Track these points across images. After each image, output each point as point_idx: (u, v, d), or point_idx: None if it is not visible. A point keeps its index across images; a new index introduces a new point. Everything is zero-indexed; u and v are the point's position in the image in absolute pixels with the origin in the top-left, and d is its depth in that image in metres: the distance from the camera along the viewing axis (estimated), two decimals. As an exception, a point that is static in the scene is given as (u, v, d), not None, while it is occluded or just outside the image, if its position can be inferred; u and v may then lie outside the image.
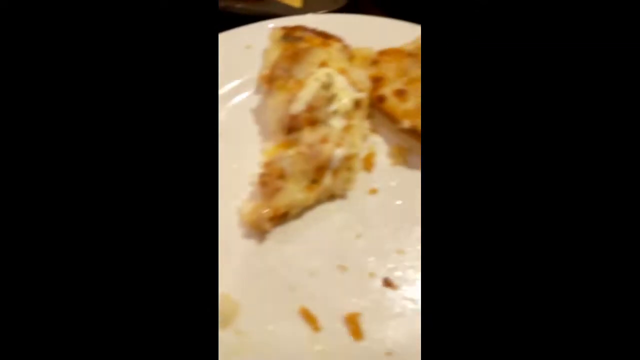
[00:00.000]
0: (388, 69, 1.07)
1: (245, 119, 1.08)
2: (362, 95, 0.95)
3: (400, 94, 1.02)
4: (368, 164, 0.98)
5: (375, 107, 1.04)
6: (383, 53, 1.10)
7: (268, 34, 1.17)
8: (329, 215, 0.90)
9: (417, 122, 0.96)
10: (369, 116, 1.04)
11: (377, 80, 1.05)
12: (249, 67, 1.15)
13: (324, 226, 0.88)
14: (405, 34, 1.19)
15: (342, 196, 0.92)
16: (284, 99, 0.93)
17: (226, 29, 1.20)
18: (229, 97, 1.10)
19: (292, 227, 0.88)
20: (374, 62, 1.09)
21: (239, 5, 1.25)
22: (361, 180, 0.95)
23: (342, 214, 0.90)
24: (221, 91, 1.09)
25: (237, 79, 1.12)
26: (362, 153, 0.98)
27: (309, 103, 0.89)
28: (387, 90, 1.03)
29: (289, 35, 1.09)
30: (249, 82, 1.14)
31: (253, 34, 1.19)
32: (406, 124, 0.96)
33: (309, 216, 0.90)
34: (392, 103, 1.02)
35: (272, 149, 0.96)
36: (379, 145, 1.03)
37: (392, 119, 1.01)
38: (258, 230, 0.84)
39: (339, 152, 0.84)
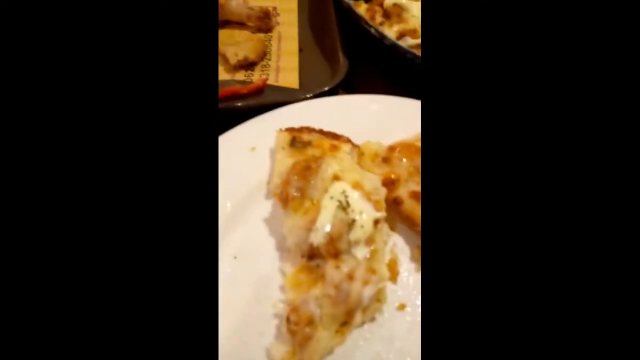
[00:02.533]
0: (400, 166, 1.04)
1: (259, 230, 1.03)
2: (382, 215, 0.91)
3: (417, 196, 0.99)
4: (392, 273, 0.95)
5: (392, 210, 1.01)
6: (393, 149, 1.06)
7: (271, 133, 1.12)
8: (361, 345, 0.86)
9: None
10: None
11: (391, 183, 1.01)
12: (258, 171, 1.10)
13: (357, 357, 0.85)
14: (405, 112, 1.17)
15: (371, 320, 0.89)
16: (301, 224, 0.89)
17: (227, 126, 1.15)
18: (243, 209, 1.04)
19: (324, 363, 0.85)
20: (385, 160, 1.05)
21: (239, 104, 1.20)
22: (388, 293, 0.92)
23: (373, 343, 0.86)
24: (232, 201, 1.05)
25: (246, 186, 1.08)
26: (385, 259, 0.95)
27: (328, 234, 0.85)
28: (402, 192, 1.00)
29: (297, 139, 1.05)
30: (260, 189, 1.09)
31: (255, 133, 1.14)
32: None
33: (340, 351, 0.86)
34: (410, 206, 0.98)
35: (294, 274, 0.92)
36: (399, 247, 1.00)
37: (411, 223, 0.98)
38: (292, 380, 0.81)
39: (369, 291, 0.80)
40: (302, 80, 1.41)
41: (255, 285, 0.95)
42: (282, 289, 0.94)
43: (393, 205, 1.00)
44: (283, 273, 0.95)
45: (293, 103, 1.21)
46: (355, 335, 0.88)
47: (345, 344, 0.87)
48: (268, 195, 1.09)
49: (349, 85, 1.39)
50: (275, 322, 0.90)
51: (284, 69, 1.44)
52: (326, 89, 1.29)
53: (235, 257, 0.99)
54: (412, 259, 0.99)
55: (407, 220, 0.99)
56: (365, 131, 1.12)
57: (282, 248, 1.00)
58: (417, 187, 1.00)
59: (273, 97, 1.26)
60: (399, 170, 1.03)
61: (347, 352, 0.86)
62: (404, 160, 1.04)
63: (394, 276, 0.95)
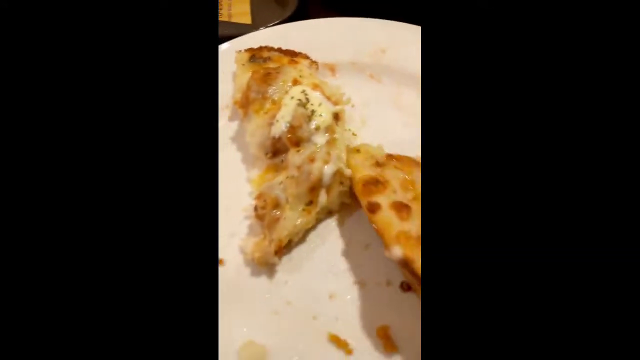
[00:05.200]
0: (394, 176, 0.82)
1: (224, 148, 1.04)
2: (340, 108, 0.93)
3: (400, 208, 0.75)
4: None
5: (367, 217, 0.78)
6: (391, 157, 0.88)
7: (228, 57, 1.13)
8: (332, 232, 0.89)
9: (413, 254, 0.68)
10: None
11: (373, 183, 0.80)
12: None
13: (330, 245, 0.87)
14: (372, 32, 1.19)
15: (339, 211, 0.91)
16: (262, 122, 0.90)
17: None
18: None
19: (298, 253, 0.86)
20: (379, 164, 0.86)
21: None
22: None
23: (345, 228, 0.89)
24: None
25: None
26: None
27: (289, 123, 0.86)
28: (383, 200, 0.77)
29: (256, 56, 1.06)
30: (220, 111, 1.09)
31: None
32: (396, 252, 0.69)
33: (312, 238, 0.88)
34: (386, 218, 0.74)
35: (259, 176, 0.93)
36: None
37: (381, 237, 0.74)
38: (266, 266, 0.82)
39: (329, 169, 0.82)
40: (254, 20, 1.42)
41: (223, 196, 0.95)
42: (250, 195, 0.95)
43: (366, 211, 0.78)
44: (249, 180, 0.96)
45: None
46: (327, 224, 0.90)
47: (317, 231, 0.88)
48: (231, 117, 1.10)
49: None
50: (246, 223, 0.90)
51: (235, 14, 1.45)
52: (277, 21, 1.31)
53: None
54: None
55: (377, 232, 0.75)
56: (321, 50, 1.14)
57: (247, 161, 1.01)
58: (405, 200, 0.77)
59: (227, 31, 1.27)
60: (389, 176, 0.82)
61: (321, 238, 0.87)
62: (399, 171, 0.84)
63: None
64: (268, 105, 0.92)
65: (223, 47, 1.18)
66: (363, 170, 0.84)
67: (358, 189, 0.81)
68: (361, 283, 0.80)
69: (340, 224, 0.90)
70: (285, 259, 0.84)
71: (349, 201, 0.90)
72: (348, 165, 0.85)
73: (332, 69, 1.15)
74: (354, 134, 1.03)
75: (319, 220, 0.89)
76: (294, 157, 0.83)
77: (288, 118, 0.87)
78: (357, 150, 0.89)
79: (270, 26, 1.29)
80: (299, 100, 0.91)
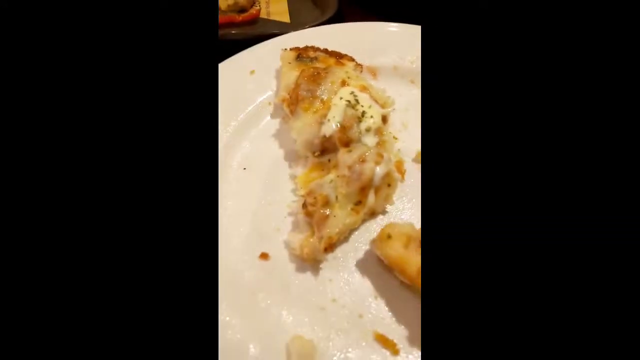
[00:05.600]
0: None
1: (268, 145, 1.05)
2: (388, 110, 0.94)
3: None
4: (400, 172, 0.98)
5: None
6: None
7: (269, 55, 1.15)
8: (374, 233, 0.89)
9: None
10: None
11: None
12: (259, 92, 1.12)
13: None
14: (414, 38, 1.20)
15: (383, 212, 0.92)
16: (311, 121, 0.92)
17: (224, 56, 1.16)
18: (248, 126, 1.08)
19: (342, 252, 0.87)
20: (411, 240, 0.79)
21: (234, 31, 1.21)
22: (397, 191, 0.95)
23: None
24: (237, 121, 1.06)
25: (249, 105, 1.10)
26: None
27: (340, 123, 0.88)
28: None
29: (303, 55, 1.07)
30: (262, 107, 1.11)
31: (254, 58, 1.16)
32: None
33: (356, 238, 0.89)
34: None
35: (305, 174, 0.94)
36: (405, 150, 1.03)
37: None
38: (313, 262, 0.83)
39: (380, 170, 0.83)
40: (292, 20, 1.44)
41: (267, 190, 0.96)
42: (294, 192, 0.96)
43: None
44: (293, 177, 0.97)
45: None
46: (369, 225, 0.91)
47: (360, 232, 0.89)
48: (273, 115, 1.12)
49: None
50: (290, 219, 0.91)
51: (274, 12, 1.47)
52: (315, 23, 1.32)
53: (244, 169, 1.00)
54: (414, 160, 1.03)
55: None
56: (364, 53, 1.16)
57: (290, 158, 1.02)
58: None
59: (267, 28, 1.28)
60: None
61: (364, 238, 0.88)
62: None
63: (401, 175, 0.98)
64: (317, 104, 0.93)
65: (265, 45, 1.19)
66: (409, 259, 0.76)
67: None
68: (405, 285, 0.81)
69: (382, 225, 0.91)
70: (329, 256, 0.85)
71: (392, 203, 0.91)
72: (384, 256, 0.79)
73: (374, 72, 1.17)
74: (395, 138, 1.04)
75: (362, 221, 0.90)
76: (345, 157, 0.84)
77: (339, 118, 0.88)
78: (389, 236, 0.79)
79: (311, 27, 1.31)
80: (348, 101, 0.92)
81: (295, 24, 1.37)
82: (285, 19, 1.40)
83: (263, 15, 1.39)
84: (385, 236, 0.78)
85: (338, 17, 1.43)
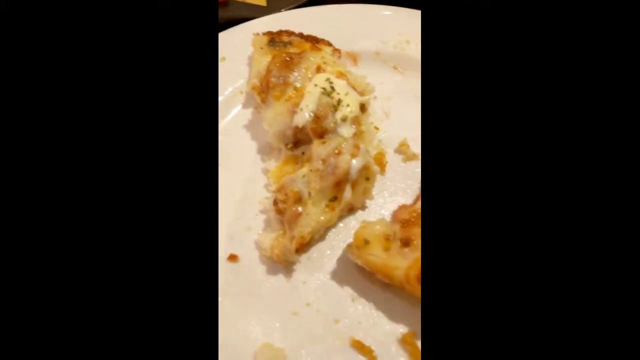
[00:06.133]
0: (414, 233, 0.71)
1: (239, 137, 0.98)
2: (367, 98, 0.87)
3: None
4: (380, 165, 0.92)
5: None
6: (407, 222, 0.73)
7: (241, 40, 1.07)
8: (352, 230, 0.83)
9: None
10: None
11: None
12: (230, 81, 1.04)
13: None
14: (396, 22, 1.13)
15: (362, 208, 0.86)
16: (283, 110, 0.84)
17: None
18: (220, 118, 0.99)
19: (317, 252, 0.81)
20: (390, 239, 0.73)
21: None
22: (377, 185, 0.89)
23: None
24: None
25: (219, 95, 1.02)
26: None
27: (313, 113, 0.81)
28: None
29: (276, 40, 0.99)
30: (233, 97, 1.03)
31: (225, 44, 1.08)
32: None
33: (333, 236, 0.83)
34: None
35: (277, 168, 0.87)
36: (387, 141, 0.97)
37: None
38: (285, 264, 0.77)
39: (357, 163, 0.77)
40: (270, 3, 1.35)
41: (238, 186, 0.90)
42: (267, 188, 0.89)
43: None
44: (266, 171, 0.90)
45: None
46: (347, 221, 0.85)
47: (338, 229, 0.83)
48: (245, 104, 1.04)
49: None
50: (262, 217, 0.85)
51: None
52: (294, 5, 1.24)
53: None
54: (396, 151, 0.96)
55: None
56: (344, 37, 1.08)
57: (263, 150, 0.95)
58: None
59: (239, 11, 1.20)
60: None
61: (341, 236, 0.82)
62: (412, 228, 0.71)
63: (381, 167, 0.92)
64: (290, 92, 0.86)
65: (237, 29, 1.11)
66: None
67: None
68: (385, 286, 0.76)
69: (358, 220, 0.85)
70: (303, 257, 0.79)
71: (372, 198, 0.85)
72: (365, 264, 0.73)
73: (354, 58, 1.09)
74: (376, 128, 0.97)
75: (340, 218, 0.84)
76: (319, 149, 0.78)
77: (312, 107, 0.81)
78: (366, 242, 0.71)
79: (287, 10, 1.22)
80: (324, 88, 0.85)
81: (273, 7, 1.29)
82: (261, 1, 1.32)
83: (236, -2, 1.31)
84: (362, 242, 0.71)
85: (319, 0, 1.35)
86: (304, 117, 0.81)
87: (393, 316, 0.73)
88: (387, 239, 0.72)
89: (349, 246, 0.75)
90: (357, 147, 0.78)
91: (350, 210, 0.85)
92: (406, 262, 0.69)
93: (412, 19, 1.14)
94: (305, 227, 0.74)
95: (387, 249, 0.71)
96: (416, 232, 0.71)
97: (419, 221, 0.73)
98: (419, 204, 0.77)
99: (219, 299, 0.73)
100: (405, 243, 0.71)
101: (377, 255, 0.71)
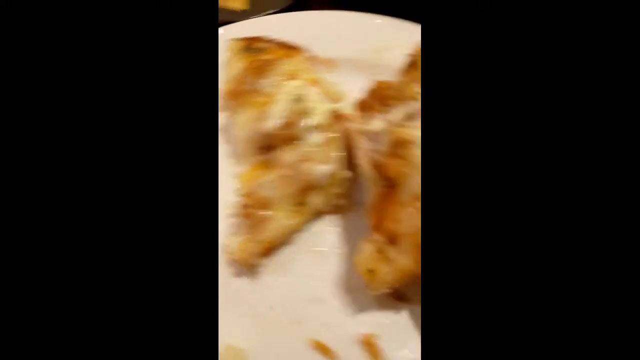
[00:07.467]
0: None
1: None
2: (339, 106, 0.89)
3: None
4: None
5: None
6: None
7: (221, 46, 1.08)
8: (321, 234, 0.86)
9: None
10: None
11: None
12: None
13: (318, 248, 0.83)
14: (372, 29, 1.15)
15: (330, 213, 0.88)
16: (253, 116, 0.86)
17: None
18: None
19: (284, 255, 0.82)
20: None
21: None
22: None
23: (335, 230, 0.86)
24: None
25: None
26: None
27: (282, 119, 0.82)
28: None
29: (250, 46, 1.01)
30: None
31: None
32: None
33: (300, 240, 0.85)
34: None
35: (247, 173, 0.89)
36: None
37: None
38: (250, 267, 0.78)
39: (324, 169, 0.79)
40: (252, 6, 1.36)
41: (210, 190, 0.91)
42: (238, 192, 0.91)
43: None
44: (237, 175, 0.91)
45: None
46: (316, 226, 0.86)
47: (306, 234, 0.85)
48: (220, 108, 1.05)
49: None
50: (231, 221, 0.86)
51: (231, -2, 1.39)
52: (277, 9, 1.26)
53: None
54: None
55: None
56: (322, 44, 1.10)
57: (235, 155, 0.97)
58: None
59: (220, 17, 1.21)
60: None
61: (309, 240, 0.84)
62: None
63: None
64: (261, 98, 0.88)
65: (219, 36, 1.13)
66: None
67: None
68: (350, 289, 0.78)
69: (330, 226, 0.87)
70: (269, 260, 0.81)
71: (340, 203, 0.87)
72: (391, 285, 0.73)
73: (331, 65, 1.11)
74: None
75: (308, 222, 0.85)
76: (286, 155, 0.79)
77: (282, 114, 0.83)
78: (371, 271, 0.72)
79: (269, 14, 1.24)
80: (295, 95, 0.87)
81: (254, 11, 1.30)
82: (242, 5, 1.33)
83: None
84: (369, 275, 0.71)
85: (303, 5, 1.36)
86: (272, 123, 0.82)
87: (356, 318, 0.75)
88: (380, 251, 0.71)
89: (369, 288, 0.73)
90: (325, 153, 0.80)
91: (319, 214, 0.87)
92: (406, 257, 0.69)
93: (391, 26, 1.16)
94: (270, 232, 0.75)
95: (386, 260, 0.71)
96: (390, 225, 0.70)
97: (387, 208, 0.72)
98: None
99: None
100: (392, 241, 0.71)
101: (387, 272, 0.71)
